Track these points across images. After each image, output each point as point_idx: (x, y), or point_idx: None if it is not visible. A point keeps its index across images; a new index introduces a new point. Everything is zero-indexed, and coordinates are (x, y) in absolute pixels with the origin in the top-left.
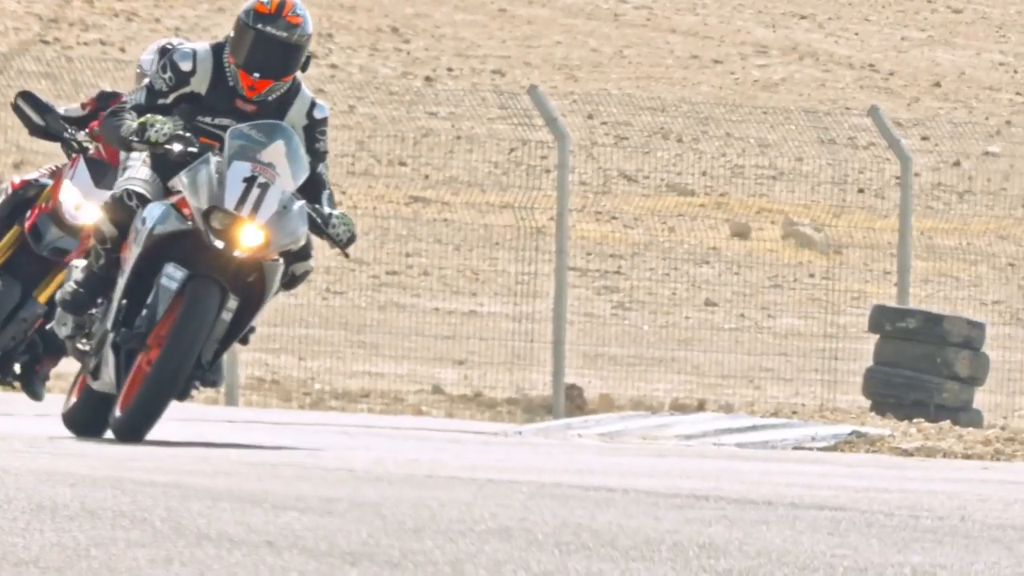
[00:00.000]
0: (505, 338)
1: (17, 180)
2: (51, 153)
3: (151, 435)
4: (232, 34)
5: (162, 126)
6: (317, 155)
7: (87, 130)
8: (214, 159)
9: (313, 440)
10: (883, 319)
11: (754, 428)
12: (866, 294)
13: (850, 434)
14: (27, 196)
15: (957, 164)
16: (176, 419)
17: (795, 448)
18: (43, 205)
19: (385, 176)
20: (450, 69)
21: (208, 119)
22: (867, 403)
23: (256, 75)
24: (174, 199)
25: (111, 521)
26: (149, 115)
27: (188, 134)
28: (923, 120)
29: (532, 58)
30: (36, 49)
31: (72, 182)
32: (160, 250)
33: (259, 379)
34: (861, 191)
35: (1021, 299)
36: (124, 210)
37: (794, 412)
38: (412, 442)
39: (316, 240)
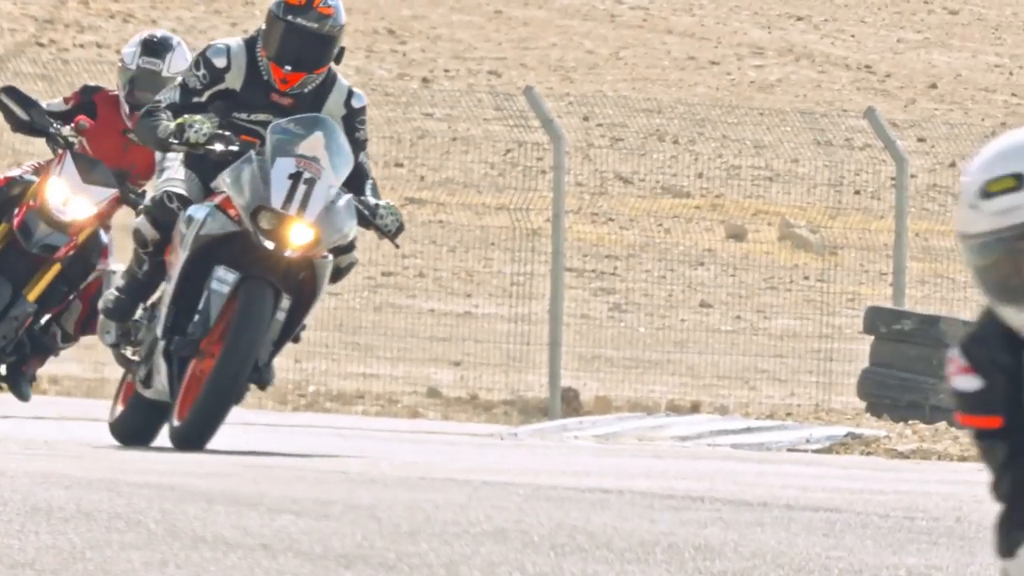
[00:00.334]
0: (501, 340)
1: (1, 177)
2: (44, 155)
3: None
4: (263, 27)
5: (201, 126)
6: (357, 144)
7: (72, 124)
8: (256, 157)
9: (308, 442)
10: (879, 320)
11: (749, 430)
12: (862, 295)
13: (845, 436)
14: (12, 193)
15: (953, 166)
16: None
17: (790, 450)
18: (30, 202)
19: (381, 177)
20: (446, 70)
21: (244, 115)
22: (862, 405)
23: (288, 68)
24: (217, 199)
25: (106, 523)
26: (187, 115)
27: (228, 133)
28: (919, 122)
29: (528, 59)
30: (32, 51)
31: (59, 178)
32: (207, 253)
33: None
34: (857, 192)
35: None
36: (165, 212)
37: (789, 414)
38: (407, 444)
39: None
